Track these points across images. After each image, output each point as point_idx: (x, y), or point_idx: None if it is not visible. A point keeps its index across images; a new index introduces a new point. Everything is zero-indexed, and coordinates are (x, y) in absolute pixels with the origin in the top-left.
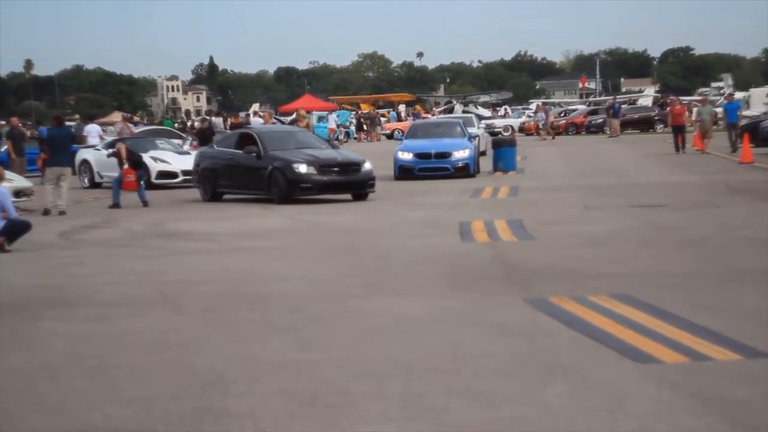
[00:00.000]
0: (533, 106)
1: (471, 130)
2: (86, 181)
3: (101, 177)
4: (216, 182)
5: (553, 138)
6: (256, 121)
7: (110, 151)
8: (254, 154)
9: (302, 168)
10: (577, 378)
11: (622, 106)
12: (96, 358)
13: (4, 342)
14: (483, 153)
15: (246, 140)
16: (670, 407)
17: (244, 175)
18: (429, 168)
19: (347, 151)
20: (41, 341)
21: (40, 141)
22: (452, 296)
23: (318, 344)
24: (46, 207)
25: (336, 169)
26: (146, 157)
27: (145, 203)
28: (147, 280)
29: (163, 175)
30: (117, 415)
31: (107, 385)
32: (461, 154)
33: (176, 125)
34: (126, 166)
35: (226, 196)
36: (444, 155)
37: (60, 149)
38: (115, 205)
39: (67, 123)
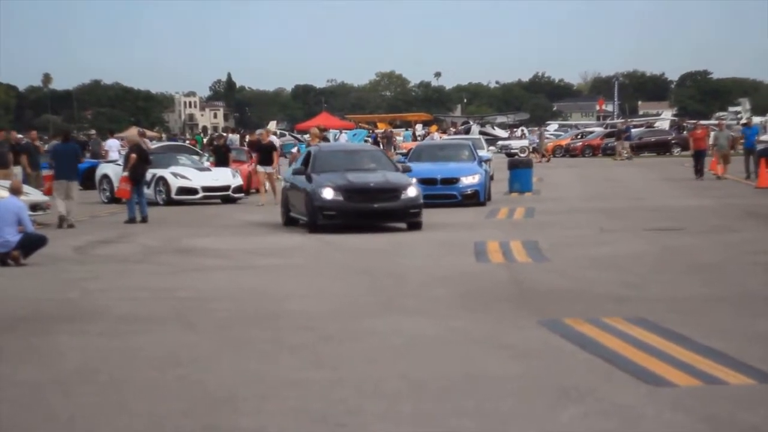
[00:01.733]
0: (551, 128)
1: (481, 153)
2: (107, 195)
3: None
4: (288, 206)
5: (548, 161)
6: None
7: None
8: (304, 176)
9: (327, 193)
10: (590, 400)
11: (639, 128)
12: (108, 373)
13: (17, 355)
14: (492, 178)
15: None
16: (684, 431)
17: (299, 199)
18: (434, 195)
19: (396, 175)
20: (54, 355)
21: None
22: (466, 316)
23: (330, 363)
24: (60, 214)
25: (367, 195)
26: (166, 173)
27: (143, 219)
28: (161, 296)
29: (183, 191)
30: (127, 430)
31: (118, 401)
32: (470, 180)
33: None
34: (125, 174)
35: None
36: (451, 181)
37: (66, 163)
38: (131, 220)
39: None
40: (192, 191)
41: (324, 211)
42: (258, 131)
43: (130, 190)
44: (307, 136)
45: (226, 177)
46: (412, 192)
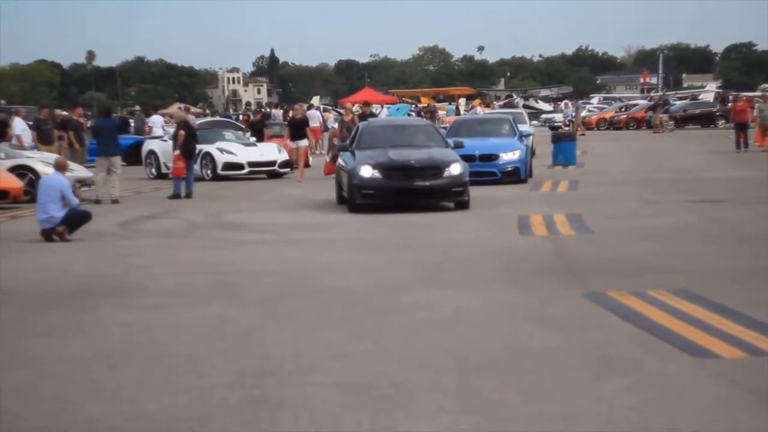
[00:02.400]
0: (594, 101)
1: (522, 128)
2: (153, 171)
3: (167, 168)
4: (340, 184)
5: (583, 134)
6: (312, 114)
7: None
8: (349, 153)
9: (365, 171)
10: (634, 372)
11: (683, 101)
12: (153, 347)
13: (64, 330)
14: (533, 153)
15: None
16: (729, 403)
17: (344, 177)
18: (472, 173)
19: (441, 151)
20: (99, 330)
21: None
22: (510, 290)
23: (373, 336)
24: (97, 197)
25: (408, 172)
26: (212, 149)
27: (188, 195)
28: (205, 271)
29: (229, 166)
30: (173, 403)
31: (164, 374)
32: (510, 156)
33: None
34: (177, 152)
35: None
36: (490, 157)
37: (107, 139)
38: (176, 195)
39: (125, 114)
40: (238, 166)
41: (362, 189)
42: (299, 105)
43: (185, 167)
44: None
45: (272, 152)
46: (456, 169)
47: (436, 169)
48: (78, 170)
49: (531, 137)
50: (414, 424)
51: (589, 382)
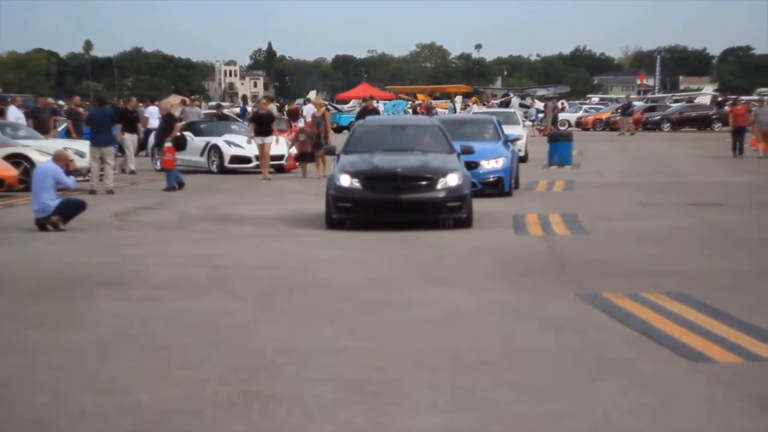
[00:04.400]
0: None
1: (512, 130)
2: (159, 164)
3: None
4: None
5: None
6: (308, 109)
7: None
8: (336, 157)
9: (343, 179)
10: (629, 374)
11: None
12: (147, 339)
13: (57, 320)
14: (523, 159)
15: None
16: (723, 407)
17: None
18: None
19: (439, 157)
20: (93, 320)
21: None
22: (505, 289)
23: (368, 333)
24: (92, 187)
25: (393, 183)
26: (220, 141)
27: (180, 185)
28: (200, 263)
29: (236, 159)
30: (166, 395)
31: (157, 366)
32: (492, 165)
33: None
34: (169, 144)
35: None
36: (469, 166)
37: (101, 129)
38: (170, 188)
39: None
40: (245, 160)
41: (339, 201)
42: (265, 99)
43: (173, 159)
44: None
45: (280, 146)
46: (453, 179)
47: (427, 179)
48: (75, 159)
49: (520, 141)
50: (409, 421)
51: (584, 382)
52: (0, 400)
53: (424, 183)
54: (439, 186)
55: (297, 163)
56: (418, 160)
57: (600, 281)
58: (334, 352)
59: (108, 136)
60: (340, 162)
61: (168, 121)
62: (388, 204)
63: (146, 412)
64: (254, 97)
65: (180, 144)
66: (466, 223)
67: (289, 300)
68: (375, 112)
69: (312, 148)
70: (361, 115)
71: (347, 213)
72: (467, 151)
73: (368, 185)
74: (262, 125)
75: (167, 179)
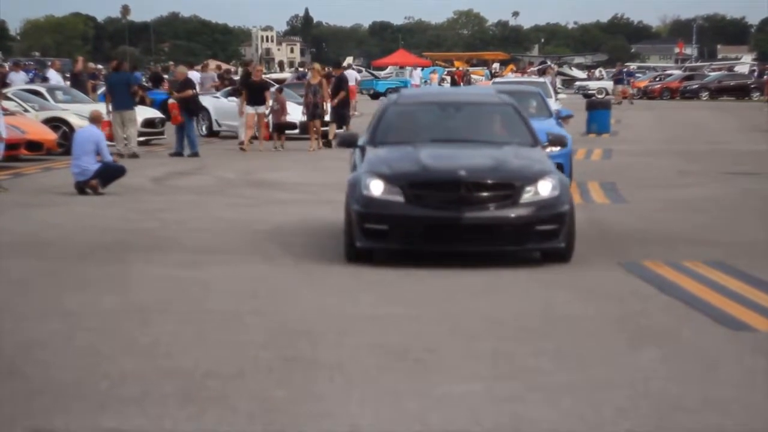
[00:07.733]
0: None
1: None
2: (204, 129)
3: (219, 125)
4: None
5: (619, 103)
6: (349, 74)
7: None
8: (360, 150)
9: (374, 187)
10: (669, 343)
11: (718, 72)
12: (186, 304)
13: (97, 283)
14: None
15: None
16: (765, 375)
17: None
18: None
19: (522, 152)
20: (133, 284)
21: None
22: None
23: (408, 300)
24: (118, 151)
25: (453, 193)
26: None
27: (194, 154)
28: (237, 228)
29: (280, 126)
30: (206, 359)
31: (196, 330)
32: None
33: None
34: (171, 100)
35: None
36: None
37: (120, 93)
38: (177, 153)
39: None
40: (290, 126)
41: (366, 222)
42: (260, 66)
43: (180, 116)
44: (381, 73)
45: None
46: (545, 188)
47: (506, 187)
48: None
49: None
50: (450, 387)
51: (624, 351)
52: (41, 363)
53: (501, 193)
54: (525, 197)
55: (273, 134)
56: (489, 156)
57: (640, 250)
58: (374, 319)
59: (127, 99)
60: (366, 159)
61: (184, 85)
62: (446, 226)
63: (187, 376)
64: (290, 63)
65: (189, 107)
66: (563, 255)
67: (328, 267)
68: (344, 82)
69: (308, 119)
70: (336, 88)
71: (380, 241)
72: (558, 142)
73: (414, 196)
74: (255, 93)
75: (175, 144)
